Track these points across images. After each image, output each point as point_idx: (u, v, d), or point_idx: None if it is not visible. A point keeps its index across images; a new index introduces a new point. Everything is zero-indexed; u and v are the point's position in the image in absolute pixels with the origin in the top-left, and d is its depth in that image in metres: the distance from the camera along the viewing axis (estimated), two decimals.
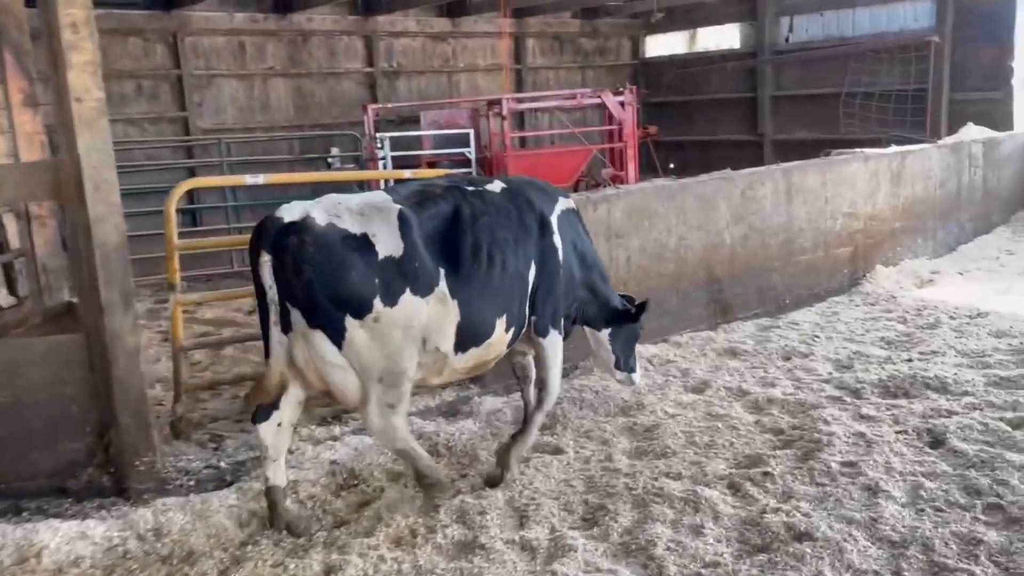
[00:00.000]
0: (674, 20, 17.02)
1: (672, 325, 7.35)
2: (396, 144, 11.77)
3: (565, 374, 5.65)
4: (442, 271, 4.18)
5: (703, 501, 4.32)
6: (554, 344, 4.80)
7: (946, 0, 12.69)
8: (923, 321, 7.53)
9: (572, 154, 12.38)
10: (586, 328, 5.18)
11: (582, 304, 5.00)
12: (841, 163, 8.80)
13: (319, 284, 3.89)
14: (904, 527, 4.00)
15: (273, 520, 4.21)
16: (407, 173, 6.88)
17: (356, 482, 4.76)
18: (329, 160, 12.34)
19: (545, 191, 4.88)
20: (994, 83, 12.48)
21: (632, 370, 5.34)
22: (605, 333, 5.17)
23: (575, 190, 11.55)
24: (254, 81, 13.42)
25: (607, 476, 4.73)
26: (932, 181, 9.75)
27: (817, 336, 7.20)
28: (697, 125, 16.71)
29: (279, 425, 4.16)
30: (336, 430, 5.51)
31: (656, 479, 4.62)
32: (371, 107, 12.12)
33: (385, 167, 11.21)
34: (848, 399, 5.69)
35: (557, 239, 4.71)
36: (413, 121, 12.78)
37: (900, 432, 5.08)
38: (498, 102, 11.83)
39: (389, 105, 13.22)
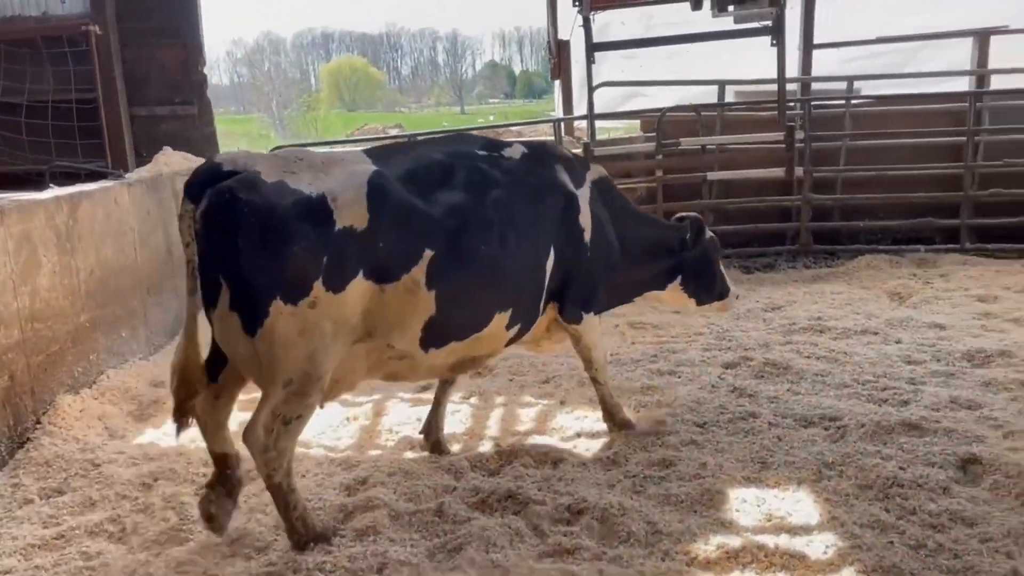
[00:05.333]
0: None
1: None
2: None
3: None
4: (428, 253, 3.49)
5: None
6: (589, 327, 4.39)
7: None
8: None
9: None
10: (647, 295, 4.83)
11: (627, 277, 4.59)
12: None
13: (249, 256, 3.12)
14: None
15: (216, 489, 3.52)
16: None
17: None
18: None
19: (571, 159, 4.37)
20: (185, 94, 9.45)
21: (723, 295, 4.95)
22: (673, 285, 4.76)
23: None
24: None
25: None
26: (129, 237, 6.21)
27: None
28: None
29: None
30: None
31: None
32: None
33: None
34: None
35: (586, 217, 4.20)
36: None
37: None
38: None
39: None
